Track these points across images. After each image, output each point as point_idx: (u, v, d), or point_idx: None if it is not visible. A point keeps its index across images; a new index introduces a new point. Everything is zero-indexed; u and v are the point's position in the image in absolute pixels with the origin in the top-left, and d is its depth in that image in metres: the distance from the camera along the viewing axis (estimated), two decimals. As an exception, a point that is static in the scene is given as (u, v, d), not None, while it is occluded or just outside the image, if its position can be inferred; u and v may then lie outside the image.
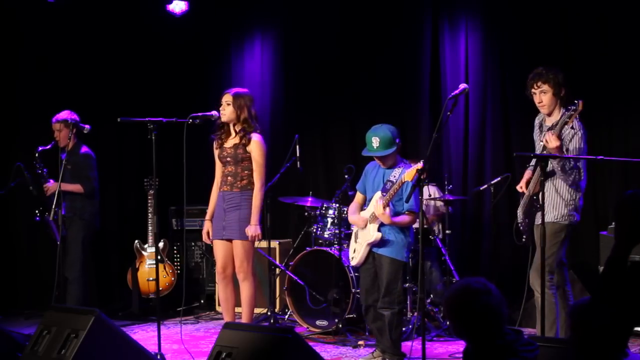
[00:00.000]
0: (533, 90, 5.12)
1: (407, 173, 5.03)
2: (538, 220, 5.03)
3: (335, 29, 8.06)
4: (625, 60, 6.75)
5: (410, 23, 7.71)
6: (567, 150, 4.96)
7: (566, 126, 4.82)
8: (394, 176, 5.27)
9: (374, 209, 5.30)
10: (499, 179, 6.56)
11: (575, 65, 6.94)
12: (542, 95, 5.08)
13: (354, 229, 5.60)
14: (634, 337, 5.69)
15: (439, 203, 7.01)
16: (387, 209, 5.18)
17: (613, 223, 2.56)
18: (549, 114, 5.13)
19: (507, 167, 7.03)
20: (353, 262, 5.56)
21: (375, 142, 5.26)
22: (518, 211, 5.22)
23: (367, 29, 7.90)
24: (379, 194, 5.31)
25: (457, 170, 7.45)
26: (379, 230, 5.30)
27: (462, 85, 4.78)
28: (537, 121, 5.27)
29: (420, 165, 4.80)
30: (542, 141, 5.00)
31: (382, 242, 5.31)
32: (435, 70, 7.60)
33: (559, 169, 4.96)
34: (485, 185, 6.71)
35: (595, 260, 6.31)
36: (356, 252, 5.47)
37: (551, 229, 4.96)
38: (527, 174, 5.23)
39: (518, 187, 5.22)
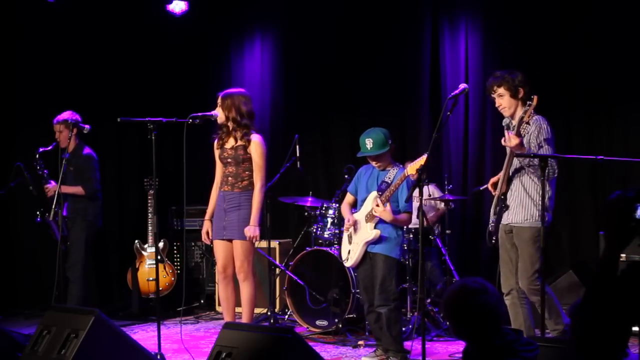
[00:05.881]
0: (492, 95, 5.05)
1: (411, 167, 5.08)
2: (504, 220, 5.01)
3: (335, 29, 8.07)
4: (625, 60, 6.75)
5: (410, 23, 7.72)
6: (538, 145, 4.81)
7: (523, 123, 4.71)
8: (389, 177, 5.38)
9: (371, 208, 5.36)
10: (499, 178, 6.56)
11: (575, 65, 6.95)
12: (500, 99, 5.00)
13: (346, 231, 5.64)
14: (633, 337, 5.68)
15: (439, 203, 7.01)
16: (388, 206, 5.26)
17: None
18: (511, 116, 5.01)
19: (507, 167, 7.02)
20: (348, 263, 5.63)
21: (369, 143, 5.37)
22: (491, 212, 5.14)
23: (367, 29, 7.90)
24: (374, 194, 5.38)
25: (457, 170, 7.45)
26: (375, 228, 5.37)
27: (462, 85, 4.78)
28: (504, 123, 5.13)
29: (424, 158, 4.83)
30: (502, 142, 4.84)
31: (376, 240, 5.39)
32: (435, 70, 7.60)
33: (528, 165, 4.85)
34: (485, 185, 6.68)
35: (595, 260, 6.31)
36: (352, 253, 5.53)
37: (529, 234, 4.91)
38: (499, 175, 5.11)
39: (489, 186, 5.16)
